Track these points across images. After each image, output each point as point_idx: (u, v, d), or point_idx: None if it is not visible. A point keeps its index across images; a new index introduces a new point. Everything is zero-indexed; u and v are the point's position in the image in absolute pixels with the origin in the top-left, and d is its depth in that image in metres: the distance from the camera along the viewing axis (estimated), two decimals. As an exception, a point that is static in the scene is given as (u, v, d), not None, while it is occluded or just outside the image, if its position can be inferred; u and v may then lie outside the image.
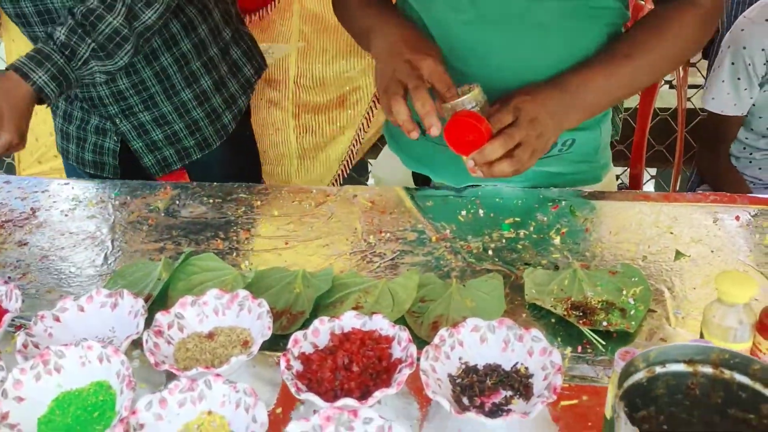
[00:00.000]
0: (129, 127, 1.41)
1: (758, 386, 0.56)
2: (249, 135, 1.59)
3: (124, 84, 1.36)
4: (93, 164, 1.46)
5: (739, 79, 1.52)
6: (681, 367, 0.59)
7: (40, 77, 1.12)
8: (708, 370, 0.58)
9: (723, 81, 1.54)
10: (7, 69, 1.14)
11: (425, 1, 1.09)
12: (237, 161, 1.52)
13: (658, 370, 0.59)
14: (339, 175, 1.62)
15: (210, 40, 1.41)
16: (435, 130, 0.93)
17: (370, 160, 2.55)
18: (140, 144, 1.43)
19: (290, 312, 0.91)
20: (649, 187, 2.47)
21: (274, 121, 1.95)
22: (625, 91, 1.07)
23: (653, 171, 2.38)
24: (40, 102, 1.16)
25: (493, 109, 0.97)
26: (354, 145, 1.69)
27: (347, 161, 1.62)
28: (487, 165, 0.93)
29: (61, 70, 1.14)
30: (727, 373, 0.57)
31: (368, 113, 1.59)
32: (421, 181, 1.27)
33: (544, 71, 1.03)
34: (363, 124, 1.60)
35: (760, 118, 1.56)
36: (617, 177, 2.28)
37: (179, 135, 1.43)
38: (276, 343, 0.85)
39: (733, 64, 1.52)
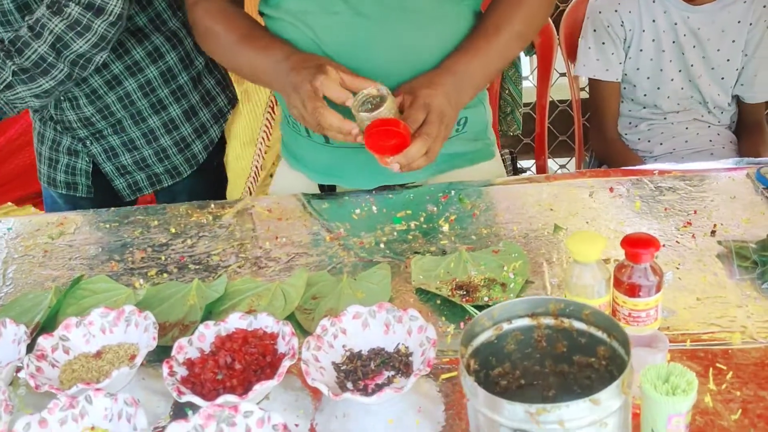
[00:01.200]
0: (99, 150, 1.43)
1: (593, 330, 0.60)
2: (217, 165, 1.57)
3: (89, 110, 1.37)
4: (65, 184, 1.48)
5: (603, 43, 1.62)
6: (526, 322, 0.62)
7: None
8: (550, 321, 0.62)
9: (589, 48, 1.64)
10: None
11: (300, 13, 1.11)
12: (204, 191, 1.49)
13: (506, 326, 0.62)
14: (248, 189, 1.62)
15: (179, 68, 1.41)
16: (358, 136, 0.98)
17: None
18: (110, 167, 1.44)
19: (182, 323, 0.91)
20: (564, 177, 2.55)
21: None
22: (503, 62, 1.14)
23: (564, 161, 2.48)
24: None
25: (400, 100, 1.01)
26: (257, 159, 1.67)
27: (254, 177, 1.62)
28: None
29: None
30: (566, 322, 0.61)
31: (266, 127, 1.60)
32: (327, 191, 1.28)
33: (427, 58, 1.08)
34: (263, 138, 1.60)
35: (634, 86, 1.66)
36: (527, 170, 2.37)
37: (148, 161, 1.44)
38: (168, 354, 0.85)
39: (595, 30, 1.63)
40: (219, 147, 1.54)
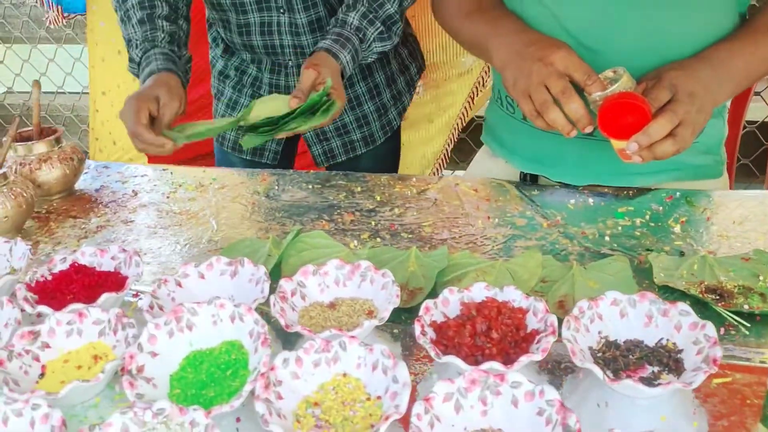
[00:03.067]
0: None
1: None
2: (394, 136, 1.57)
3: None
4: (252, 149, 1.51)
5: None
6: None
7: (344, 56, 1.20)
8: None
9: None
10: (316, 50, 1.19)
11: None
12: (379, 163, 1.51)
13: None
14: (437, 169, 1.61)
15: None
16: (590, 128, 0.92)
17: (457, 173, 2.54)
18: (311, 133, 1.47)
19: (408, 288, 0.89)
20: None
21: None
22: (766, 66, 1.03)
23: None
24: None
25: (642, 87, 0.93)
26: (448, 144, 1.67)
27: (443, 159, 1.61)
28: (648, 148, 0.89)
29: (356, 51, 1.23)
30: None
31: (462, 115, 1.58)
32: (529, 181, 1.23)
33: (679, 48, 1.00)
34: (457, 125, 1.59)
35: None
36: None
37: (348, 127, 1.46)
38: (396, 316, 0.83)
39: None
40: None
